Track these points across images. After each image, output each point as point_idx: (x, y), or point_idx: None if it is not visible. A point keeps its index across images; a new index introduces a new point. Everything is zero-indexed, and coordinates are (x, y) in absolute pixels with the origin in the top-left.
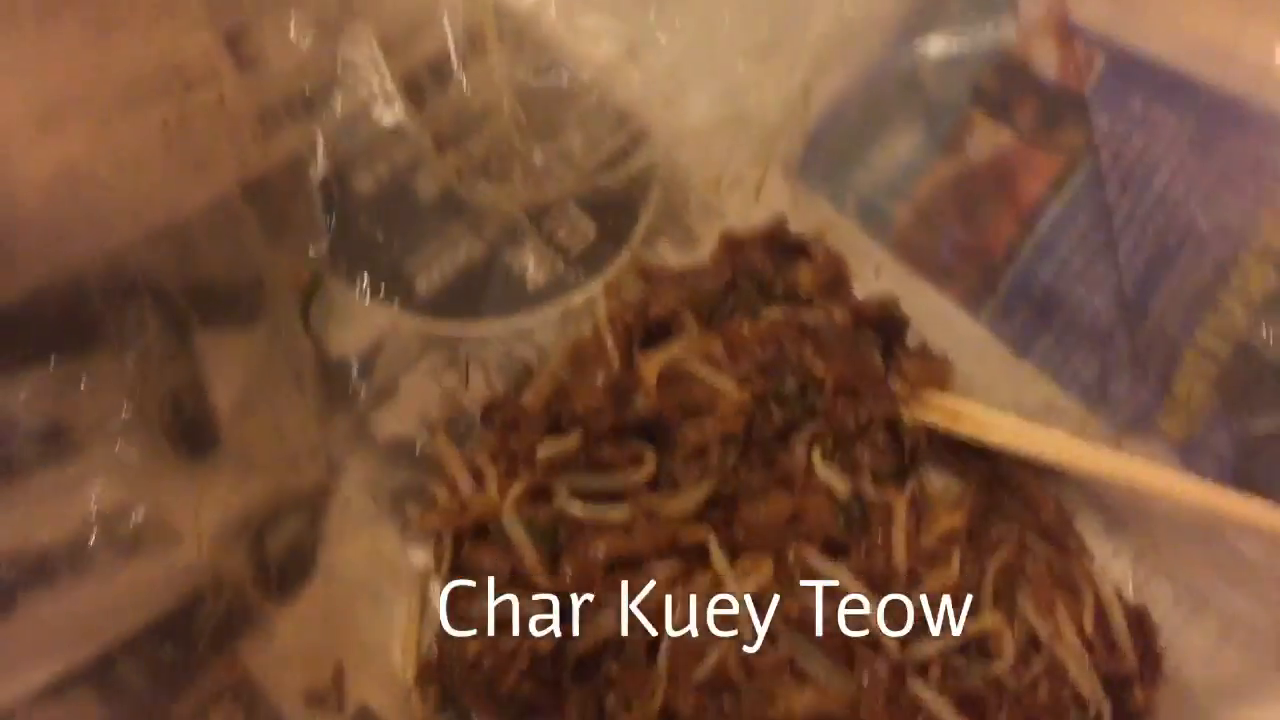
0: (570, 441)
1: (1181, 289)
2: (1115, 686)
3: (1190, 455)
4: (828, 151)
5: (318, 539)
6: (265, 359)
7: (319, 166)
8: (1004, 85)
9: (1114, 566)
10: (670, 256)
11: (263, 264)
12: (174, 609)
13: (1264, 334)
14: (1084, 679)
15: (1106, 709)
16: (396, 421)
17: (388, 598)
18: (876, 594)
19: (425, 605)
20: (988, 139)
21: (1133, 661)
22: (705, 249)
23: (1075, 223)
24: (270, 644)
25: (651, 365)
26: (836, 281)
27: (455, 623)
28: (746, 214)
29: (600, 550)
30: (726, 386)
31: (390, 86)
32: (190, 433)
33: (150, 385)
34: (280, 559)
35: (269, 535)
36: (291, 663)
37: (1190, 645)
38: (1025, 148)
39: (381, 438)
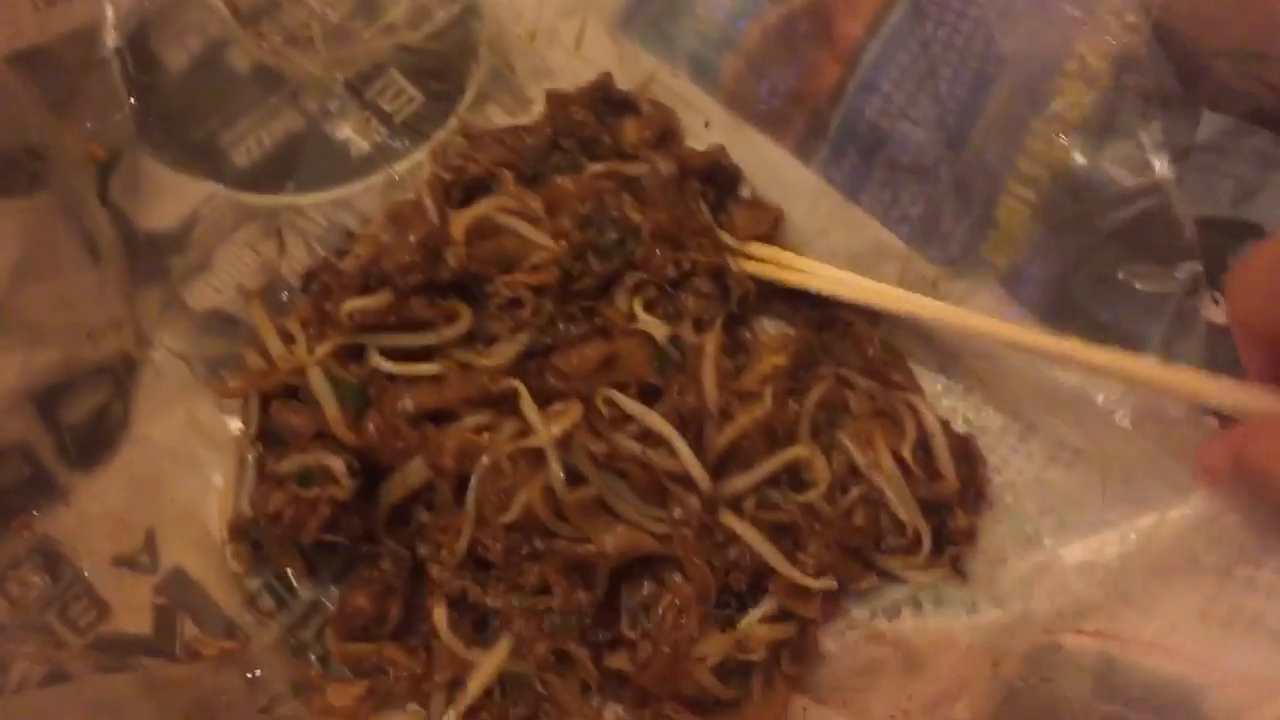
0: (379, 300)
1: (1000, 116)
2: (939, 511)
3: (1014, 284)
4: (650, 4)
5: (127, 410)
6: (48, 230)
7: (110, 38)
8: None
9: (944, 400)
10: (501, 121)
11: (43, 136)
12: None
13: (1080, 158)
14: (901, 504)
15: (926, 532)
16: (213, 293)
17: (205, 464)
18: (688, 433)
19: (243, 469)
20: None
21: (955, 487)
22: (537, 113)
23: (895, 59)
24: (71, 511)
25: (461, 220)
26: (665, 135)
27: (263, 480)
28: (577, 75)
29: (409, 404)
30: (539, 239)
31: None
32: None
33: None
34: (80, 429)
35: (64, 405)
36: (97, 529)
37: (1018, 470)
38: None
39: (197, 309)
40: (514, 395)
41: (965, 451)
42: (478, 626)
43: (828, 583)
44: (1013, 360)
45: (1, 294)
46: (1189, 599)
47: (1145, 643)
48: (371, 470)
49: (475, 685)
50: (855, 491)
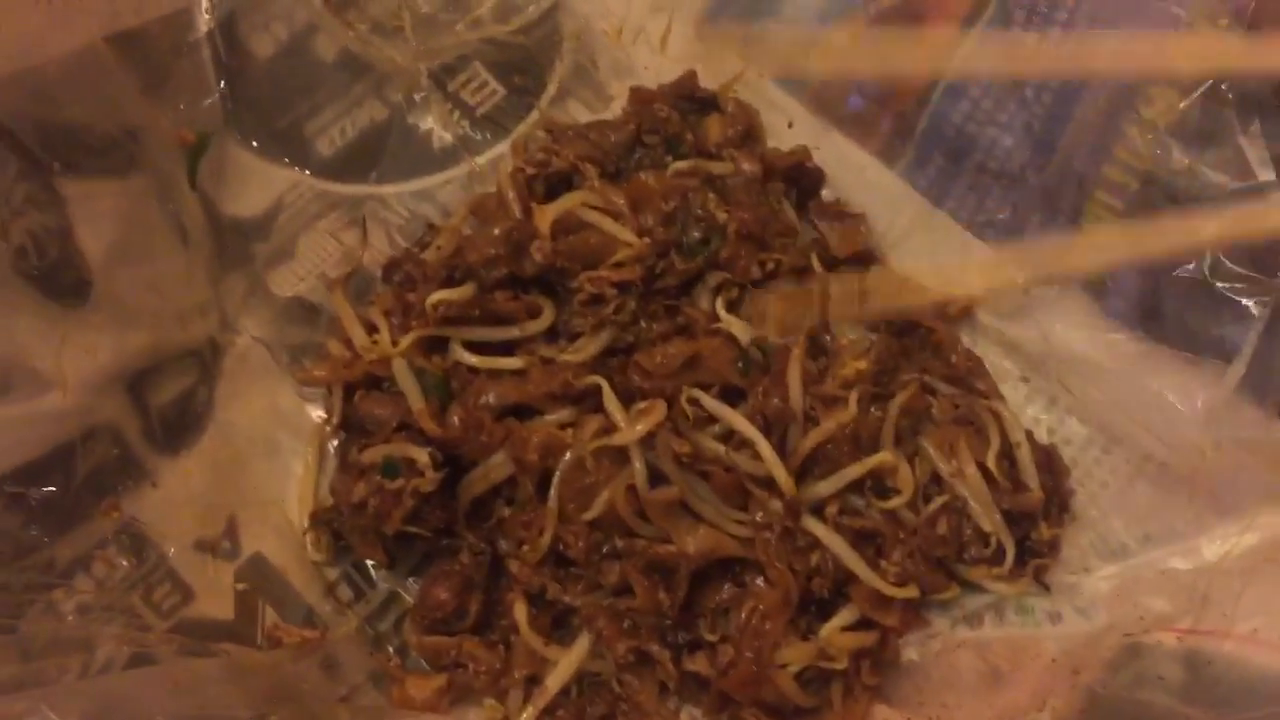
0: (463, 291)
1: (1089, 122)
2: (1022, 521)
3: (1104, 293)
4: (737, 4)
5: (211, 394)
6: (142, 212)
7: (203, 22)
8: None
9: (1028, 410)
10: (581, 116)
11: (138, 118)
12: (45, 453)
13: (1176, 163)
14: (984, 513)
15: (1010, 542)
16: (295, 280)
17: (286, 451)
18: (771, 436)
19: (324, 458)
20: None
21: (1039, 498)
22: (618, 109)
23: (986, 60)
24: (157, 494)
25: (546, 214)
26: (747, 134)
27: (345, 469)
28: (659, 72)
29: (491, 397)
30: (624, 235)
31: None
32: (55, 278)
33: (4, 228)
34: (167, 412)
35: (152, 388)
36: (181, 512)
37: (1102, 483)
38: None
39: (280, 296)
40: (597, 392)
41: (1049, 462)
42: (557, 624)
43: (910, 591)
44: (1100, 371)
45: (98, 274)
46: (1277, 595)
47: (1239, 637)
48: (454, 463)
49: (554, 682)
50: (939, 500)
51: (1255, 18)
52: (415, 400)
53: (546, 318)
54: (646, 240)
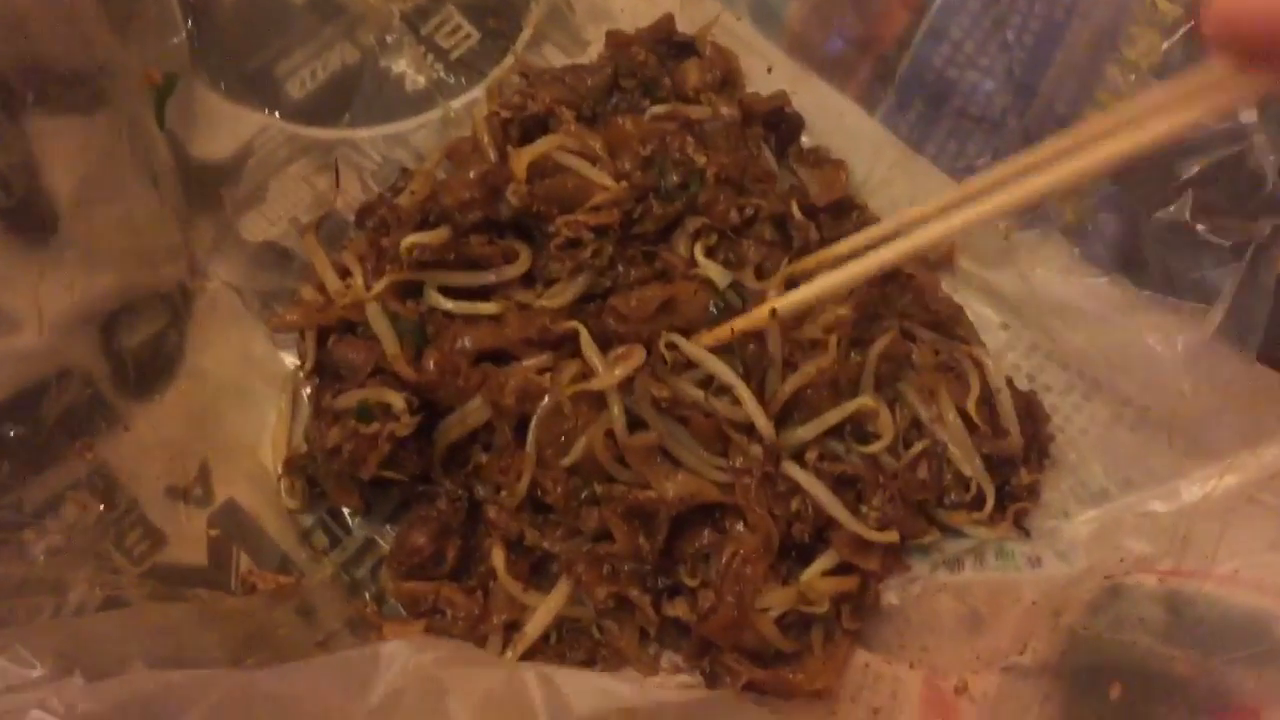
0: (438, 235)
1: (1070, 64)
2: (1002, 467)
3: (1082, 233)
4: None
5: (182, 339)
6: (110, 150)
7: None
8: None
9: (1008, 357)
10: (557, 61)
11: (107, 55)
12: (16, 393)
13: None
14: (964, 458)
15: (990, 487)
16: (266, 225)
17: (259, 397)
18: (750, 381)
19: (297, 404)
20: None
21: (1019, 443)
22: (594, 54)
23: (966, 4)
24: (129, 438)
25: (522, 158)
26: (725, 79)
27: (319, 415)
28: (636, 16)
29: (468, 342)
30: (601, 179)
31: None
32: (22, 214)
33: None
34: (138, 356)
35: (123, 331)
36: (153, 457)
37: (1082, 429)
38: None
39: (250, 241)
40: (574, 337)
41: (1029, 408)
42: (535, 570)
43: (890, 535)
44: (1079, 317)
45: (66, 211)
46: (1257, 535)
47: (1218, 576)
48: (429, 408)
49: (533, 628)
50: (919, 445)
51: None
52: (390, 345)
53: (523, 262)
54: (624, 184)
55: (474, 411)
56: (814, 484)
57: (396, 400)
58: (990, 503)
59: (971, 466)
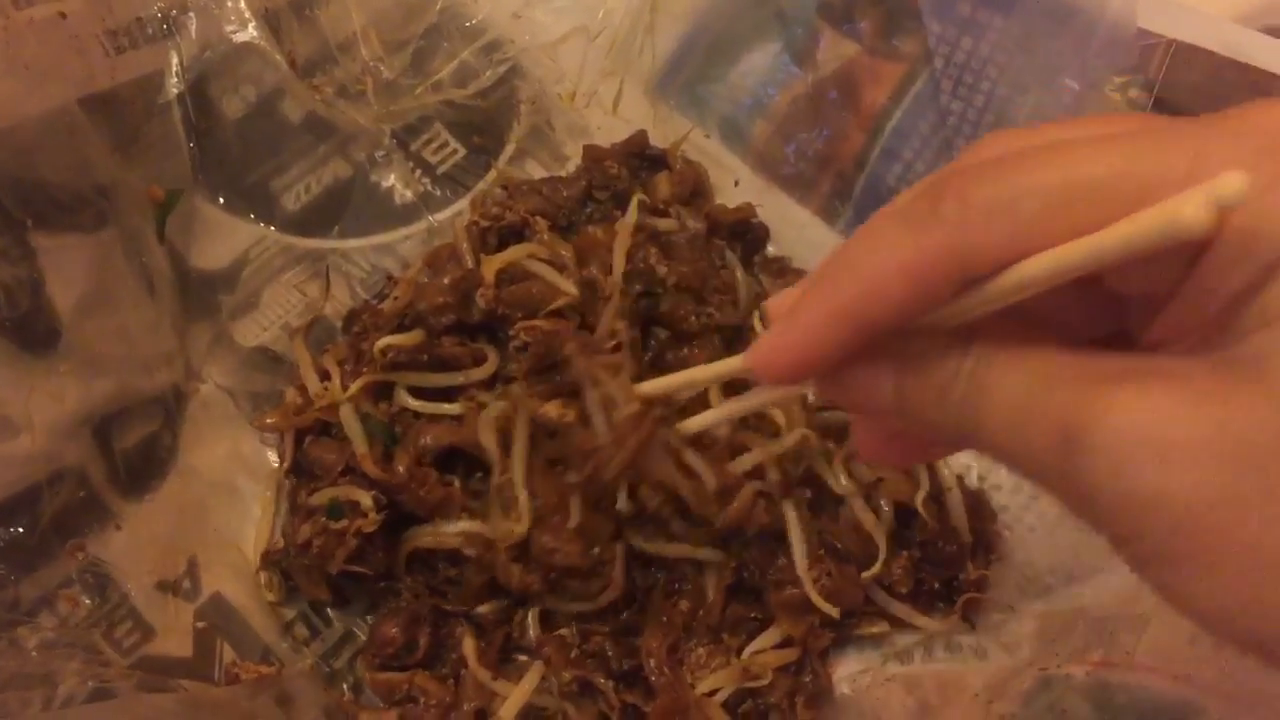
0: (412, 337)
1: None
2: (950, 563)
3: None
4: (687, 69)
5: (175, 440)
6: (111, 265)
7: (173, 85)
8: None
9: (960, 457)
10: (538, 175)
11: (109, 175)
12: (13, 495)
13: None
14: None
15: (884, 546)
16: (259, 330)
17: (246, 495)
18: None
19: (280, 501)
20: (834, 51)
21: (966, 539)
22: (573, 168)
23: (916, 128)
24: (121, 535)
25: (492, 264)
26: (695, 192)
27: (294, 511)
28: (612, 132)
29: (429, 439)
30: (564, 285)
31: (244, 9)
32: (26, 328)
33: None
34: (131, 456)
35: (118, 433)
36: (144, 553)
37: (1030, 527)
38: (869, 58)
39: (244, 345)
40: None
41: (978, 506)
42: (503, 656)
43: (830, 608)
44: None
45: (67, 324)
46: (1177, 630)
47: (1142, 667)
48: (395, 508)
49: (506, 715)
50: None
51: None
52: (359, 444)
53: (491, 364)
54: (585, 290)
55: (450, 536)
56: (798, 533)
57: (364, 498)
58: (880, 558)
59: (880, 536)
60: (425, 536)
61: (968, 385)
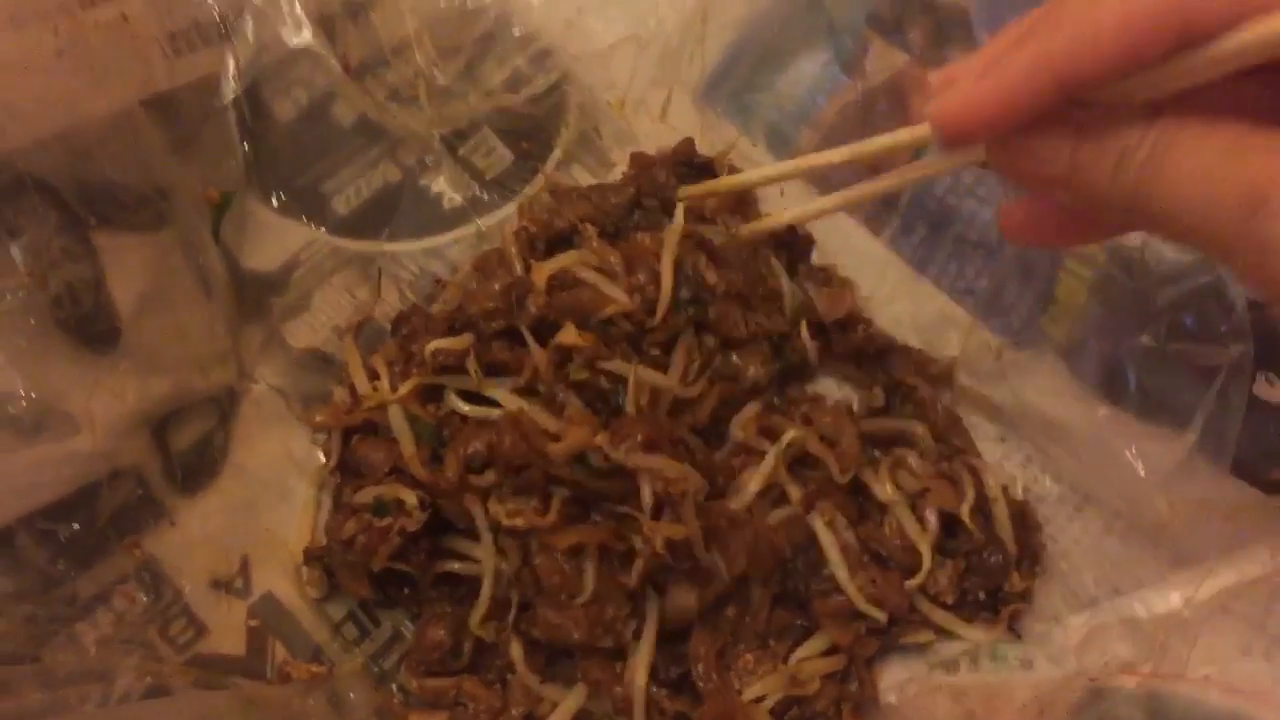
0: (461, 341)
1: None
2: (995, 573)
3: (1073, 356)
4: (735, 78)
5: (228, 438)
6: (169, 265)
7: (230, 88)
8: (897, 6)
9: (1005, 468)
10: (585, 181)
11: (168, 177)
12: (73, 492)
13: (1134, 235)
14: (918, 536)
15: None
16: (310, 332)
17: (296, 494)
18: None
19: (324, 498)
20: (884, 61)
21: (1012, 550)
22: (619, 174)
23: None
24: (176, 533)
25: (543, 270)
26: (741, 200)
27: (339, 509)
28: (659, 140)
29: (478, 445)
30: (615, 293)
31: (300, 14)
32: (88, 326)
33: (43, 278)
34: (187, 455)
35: (174, 432)
36: (198, 551)
37: (1075, 539)
38: (919, 68)
39: (295, 347)
40: None
41: (1022, 517)
42: (550, 660)
43: (877, 613)
44: (1073, 433)
45: (127, 323)
46: (1228, 642)
47: (1194, 679)
48: (437, 511)
49: None
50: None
51: None
52: (407, 445)
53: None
54: (636, 297)
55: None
56: (830, 542)
57: (410, 497)
58: (926, 566)
59: (924, 546)
60: (454, 563)
61: (1150, 152)
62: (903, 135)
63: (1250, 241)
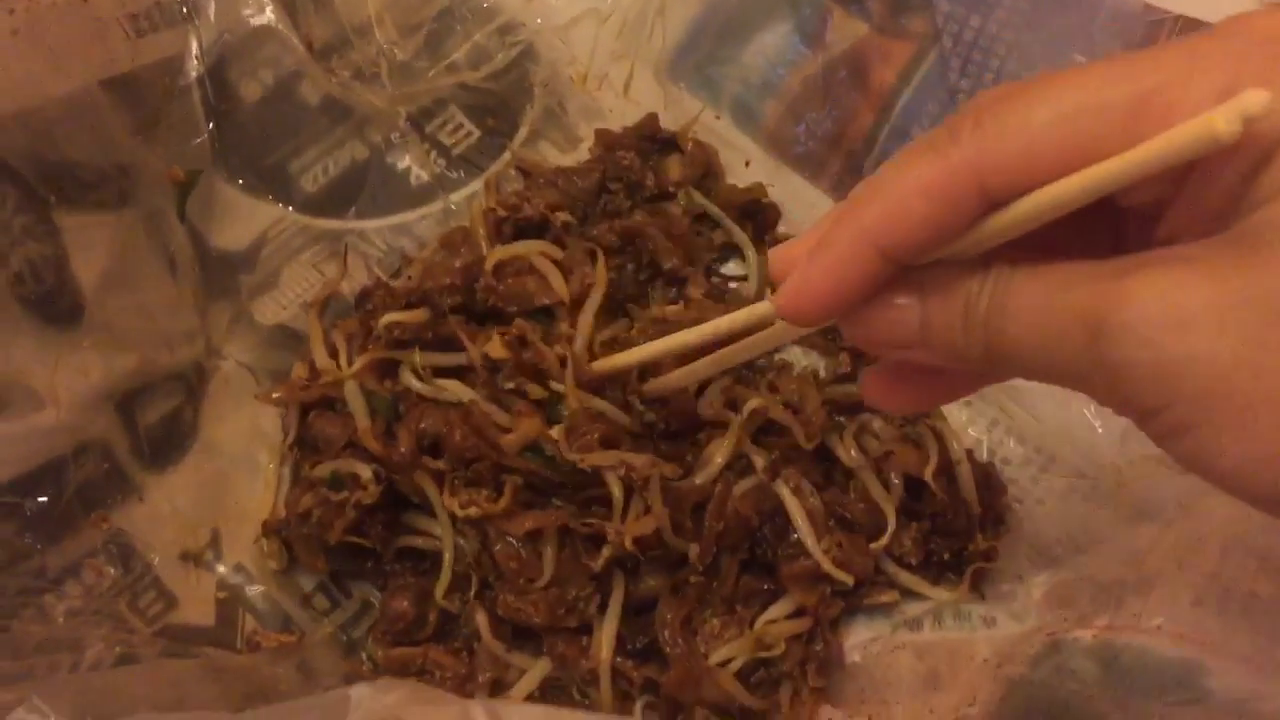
0: (416, 315)
1: None
2: (960, 534)
3: None
4: (698, 51)
5: (198, 415)
6: (133, 243)
7: (193, 68)
8: None
9: (970, 432)
10: (552, 156)
11: (131, 156)
12: (38, 466)
13: None
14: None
15: (891, 513)
16: (278, 309)
17: (264, 469)
18: None
19: (285, 473)
20: (844, 30)
21: (976, 511)
22: (586, 150)
23: (926, 106)
24: (145, 507)
25: (495, 254)
26: (706, 173)
27: (297, 484)
28: (624, 114)
29: (426, 424)
30: (557, 285)
31: None
32: (50, 303)
33: (3, 255)
34: (155, 430)
35: (141, 408)
36: (167, 525)
37: (1039, 500)
38: (878, 37)
39: (263, 324)
40: None
41: (986, 479)
42: (518, 630)
43: (845, 576)
44: (1031, 396)
45: (90, 300)
46: (1180, 594)
47: (1147, 629)
48: (393, 485)
49: (518, 692)
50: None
51: None
52: (362, 420)
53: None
54: (566, 297)
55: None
56: (796, 508)
57: (364, 471)
58: (890, 528)
59: (889, 508)
60: (417, 538)
61: (990, 299)
62: (759, 309)
63: (1099, 369)
